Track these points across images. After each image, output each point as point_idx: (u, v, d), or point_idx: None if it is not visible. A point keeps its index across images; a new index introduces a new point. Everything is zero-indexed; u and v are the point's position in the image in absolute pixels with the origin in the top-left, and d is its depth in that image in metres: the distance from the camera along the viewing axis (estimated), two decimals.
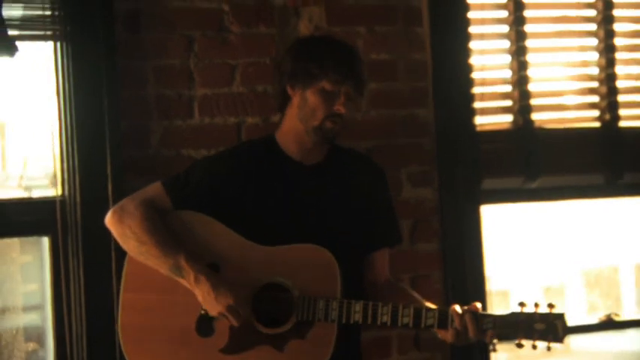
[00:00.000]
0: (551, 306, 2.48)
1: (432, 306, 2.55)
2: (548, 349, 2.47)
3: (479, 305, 2.49)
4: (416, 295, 2.71)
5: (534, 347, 2.47)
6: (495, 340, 3.50)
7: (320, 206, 2.69)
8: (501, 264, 4.30)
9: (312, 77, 2.62)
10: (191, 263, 2.54)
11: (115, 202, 2.99)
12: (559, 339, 2.44)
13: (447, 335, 2.50)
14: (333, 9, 3.41)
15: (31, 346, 3.30)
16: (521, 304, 2.48)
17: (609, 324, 3.93)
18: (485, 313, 2.50)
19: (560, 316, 2.45)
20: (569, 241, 4.44)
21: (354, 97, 2.66)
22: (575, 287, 5.02)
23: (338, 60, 2.63)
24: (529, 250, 4.48)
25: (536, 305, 2.47)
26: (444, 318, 2.49)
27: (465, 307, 2.48)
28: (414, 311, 2.49)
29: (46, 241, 3.17)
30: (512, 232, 4.37)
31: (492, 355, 3.53)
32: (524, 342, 2.47)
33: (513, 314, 2.48)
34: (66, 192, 3.13)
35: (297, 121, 2.67)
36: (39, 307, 3.32)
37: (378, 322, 2.50)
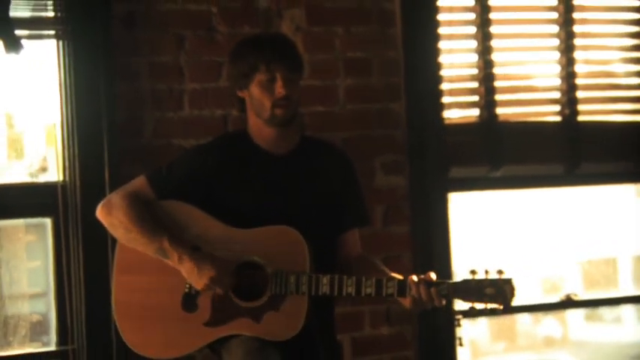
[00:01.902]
0: (500, 272, 2.59)
1: (396, 276, 2.68)
2: (499, 310, 2.61)
3: (433, 275, 2.62)
4: (384, 267, 2.80)
5: (485, 310, 2.61)
6: (460, 317, 3.74)
7: (290, 192, 2.79)
8: (490, 254, 4.39)
9: (247, 75, 2.74)
10: (174, 245, 2.68)
11: (111, 187, 3.15)
12: (507, 302, 2.58)
13: (405, 302, 2.64)
14: (313, 11, 3.53)
15: (35, 317, 3.41)
16: (473, 272, 2.61)
17: (568, 303, 4.11)
18: (438, 281, 2.61)
19: (508, 281, 2.57)
20: (559, 231, 4.51)
21: (292, 77, 2.74)
22: (571, 278, 5.08)
23: (262, 51, 2.72)
24: (504, 240, 4.56)
25: (487, 272, 2.59)
26: (402, 287, 2.61)
27: (422, 277, 2.61)
28: (375, 282, 2.62)
29: (48, 222, 3.31)
30: (503, 223, 4.46)
31: (458, 330, 3.69)
32: (476, 305, 2.60)
33: (465, 281, 2.60)
34: (67, 177, 3.26)
35: (255, 117, 2.80)
36: (42, 282, 3.41)
37: (344, 293, 2.63)
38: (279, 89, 2.72)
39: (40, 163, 3.45)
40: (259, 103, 2.77)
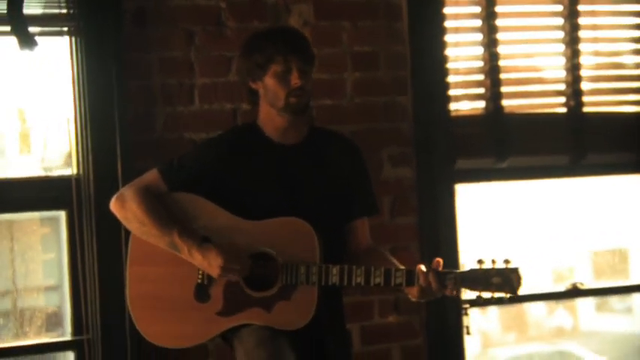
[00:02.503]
0: (507, 261, 2.62)
1: (401, 267, 2.71)
2: (506, 299, 2.66)
3: (441, 261, 2.66)
4: (393, 259, 2.83)
5: (493, 299, 2.65)
6: (467, 306, 3.79)
7: (300, 182, 2.81)
8: (504, 245, 4.41)
9: (262, 66, 2.77)
10: (184, 238, 2.72)
11: (124, 180, 3.20)
12: (514, 290, 2.62)
13: (413, 292, 2.68)
14: (321, 5, 3.58)
15: (50, 308, 3.49)
16: (480, 262, 2.64)
17: (574, 292, 4.07)
18: (446, 270, 2.64)
19: (515, 270, 2.61)
20: (567, 222, 4.53)
21: (306, 69, 2.79)
22: (581, 268, 5.09)
23: (278, 43, 2.77)
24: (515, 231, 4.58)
25: (493, 262, 2.62)
26: (410, 276, 2.65)
27: (430, 267, 2.64)
28: (384, 272, 2.66)
29: (63, 215, 3.37)
30: (511, 213, 4.47)
31: (465, 319, 3.72)
32: (483, 294, 2.64)
33: (472, 270, 2.63)
34: (80, 171, 3.32)
35: (268, 107, 2.82)
36: (57, 273, 3.49)
37: (353, 283, 2.67)
38: (295, 80, 2.76)
39: (55, 156, 3.51)
40: (274, 94, 2.80)
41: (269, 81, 2.79)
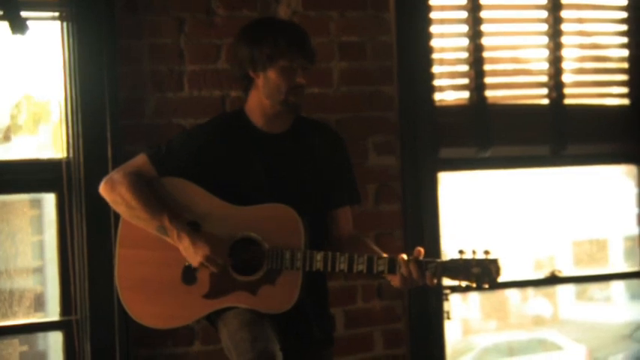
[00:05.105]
0: (486, 252, 2.70)
1: (384, 255, 2.77)
2: (485, 288, 2.74)
3: (422, 250, 2.72)
4: (375, 247, 2.91)
5: (472, 287, 2.74)
6: (448, 292, 3.87)
7: (286, 170, 2.88)
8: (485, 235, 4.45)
9: (270, 59, 2.81)
10: (174, 223, 2.77)
11: (113, 164, 3.24)
12: (493, 280, 2.69)
13: (395, 280, 2.74)
14: None
15: (39, 289, 3.54)
16: (461, 252, 2.70)
17: (553, 279, 4.12)
18: (427, 259, 2.71)
19: (494, 261, 2.69)
20: (549, 211, 4.58)
21: (309, 69, 2.86)
22: (561, 257, 5.14)
23: (289, 39, 2.81)
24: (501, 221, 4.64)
25: (474, 252, 2.70)
26: (392, 264, 2.71)
27: (411, 257, 2.71)
28: (367, 259, 2.73)
29: (52, 197, 3.39)
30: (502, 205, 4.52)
31: (446, 304, 3.79)
32: (463, 284, 2.71)
33: (453, 260, 2.70)
34: (71, 154, 3.35)
35: (264, 98, 2.86)
36: (46, 255, 3.53)
37: (337, 270, 2.74)
38: (300, 78, 2.84)
39: (46, 139, 3.53)
40: (276, 87, 2.84)
41: (272, 74, 2.83)
